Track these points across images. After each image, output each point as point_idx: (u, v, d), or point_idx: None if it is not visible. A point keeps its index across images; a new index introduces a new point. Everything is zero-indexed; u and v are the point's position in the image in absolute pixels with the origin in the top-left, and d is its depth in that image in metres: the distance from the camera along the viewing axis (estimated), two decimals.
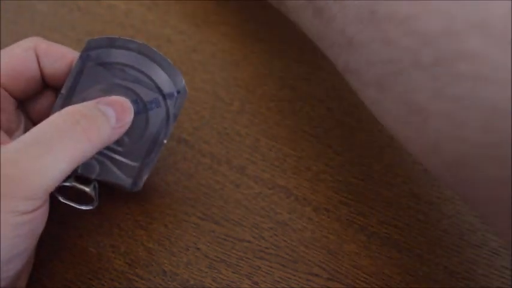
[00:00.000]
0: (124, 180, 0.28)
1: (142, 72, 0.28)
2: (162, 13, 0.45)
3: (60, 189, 0.30)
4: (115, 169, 0.28)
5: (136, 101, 0.28)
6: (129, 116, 0.26)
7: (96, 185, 0.28)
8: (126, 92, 0.27)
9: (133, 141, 0.28)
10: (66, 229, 0.30)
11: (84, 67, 0.27)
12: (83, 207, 0.29)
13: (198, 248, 0.30)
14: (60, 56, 0.27)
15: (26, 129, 0.28)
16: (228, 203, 0.32)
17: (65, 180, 0.27)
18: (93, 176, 0.28)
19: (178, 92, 0.28)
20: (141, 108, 0.28)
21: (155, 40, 0.42)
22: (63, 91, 0.27)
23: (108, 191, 0.32)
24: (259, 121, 0.36)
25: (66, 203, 0.30)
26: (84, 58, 0.27)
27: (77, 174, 0.28)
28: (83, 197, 0.31)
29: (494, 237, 0.30)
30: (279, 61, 0.39)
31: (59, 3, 0.46)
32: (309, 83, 0.37)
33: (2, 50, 0.27)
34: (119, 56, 0.27)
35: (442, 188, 0.32)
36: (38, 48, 0.27)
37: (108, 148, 0.28)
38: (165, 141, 0.28)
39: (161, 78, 0.28)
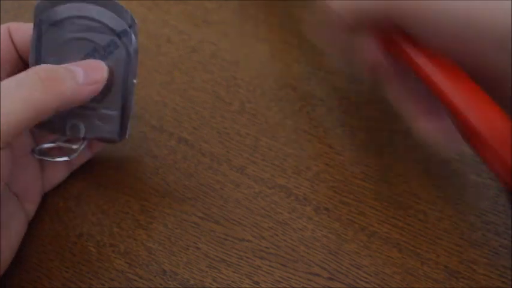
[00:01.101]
0: (110, 132, 0.29)
1: (91, 19, 0.28)
2: (162, 13, 0.45)
3: (41, 152, 0.30)
4: (99, 123, 0.29)
5: (95, 48, 0.28)
6: (100, 74, 0.27)
7: (84, 143, 0.29)
8: (83, 43, 0.28)
9: (106, 90, 0.28)
10: (66, 229, 0.30)
11: (41, 32, 0.28)
12: (59, 159, 0.30)
13: (198, 248, 0.30)
14: (31, 31, 0.28)
15: None
16: (228, 202, 0.32)
17: (48, 143, 0.29)
18: (81, 135, 0.29)
19: (130, 27, 0.28)
20: (102, 55, 0.28)
21: (155, 40, 0.42)
22: (30, 60, 0.28)
23: (108, 190, 0.32)
24: (259, 121, 0.36)
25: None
26: (37, 24, 0.28)
27: (64, 138, 0.29)
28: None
29: (494, 237, 0.30)
30: (279, 61, 0.39)
31: None
32: (309, 83, 0.37)
33: None
34: (65, 10, 0.27)
35: (442, 188, 0.32)
36: (10, 27, 0.28)
37: (85, 108, 0.28)
38: (135, 81, 0.29)
39: (110, 18, 0.28)
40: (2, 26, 0.28)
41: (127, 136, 0.29)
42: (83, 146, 0.29)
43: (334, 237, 0.30)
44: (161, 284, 0.28)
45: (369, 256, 0.30)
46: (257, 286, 0.28)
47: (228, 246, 0.30)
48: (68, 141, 0.29)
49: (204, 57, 0.40)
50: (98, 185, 0.32)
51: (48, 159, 0.30)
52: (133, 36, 0.28)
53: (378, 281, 0.28)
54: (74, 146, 0.29)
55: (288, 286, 0.28)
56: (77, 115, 0.29)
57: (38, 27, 0.28)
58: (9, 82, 0.24)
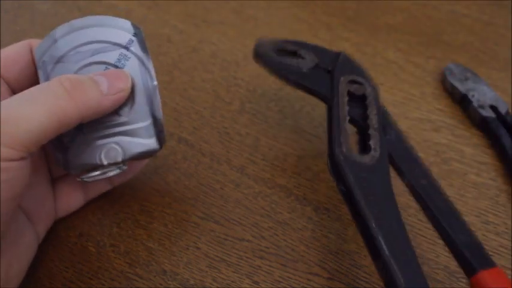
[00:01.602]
0: (148, 143, 0.28)
1: (93, 42, 0.27)
2: (162, 13, 0.45)
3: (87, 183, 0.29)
4: (134, 139, 0.28)
5: (107, 68, 0.27)
6: (124, 82, 0.26)
7: (125, 167, 0.28)
8: (93, 67, 0.27)
9: (131, 103, 0.27)
10: (66, 229, 0.30)
11: (47, 73, 0.27)
12: (111, 174, 0.28)
13: (198, 248, 0.30)
14: None
15: None
16: (228, 202, 0.32)
17: (92, 171, 0.27)
18: (120, 159, 0.27)
19: (135, 35, 0.28)
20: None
21: (155, 40, 0.42)
22: None
23: (108, 191, 0.32)
24: (259, 121, 0.36)
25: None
26: (42, 67, 0.27)
27: (104, 165, 0.27)
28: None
29: (494, 237, 0.30)
30: None
31: (59, 3, 0.46)
32: None
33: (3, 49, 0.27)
34: (65, 44, 0.27)
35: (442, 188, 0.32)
36: (32, 43, 0.27)
37: (115, 126, 0.27)
38: (155, 83, 0.28)
39: (112, 34, 0.27)
40: (23, 42, 0.27)
41: (165, 142, 0.28)
42: (125, 167, 0.28)
43: (334, 237, 0.30)
44: (161, 284, 0.28)
45: (369, 256, 0.29)
46: (257, 286, 0.28)
47: (228, 246, 0.30)
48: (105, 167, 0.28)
49: (204, 57, 0.40)
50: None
51: (88, 178, 0.28)
52: (140, 42, 0.28)
53: (377, 281, 0.28)
54: (113, 172, 0.28)
55: (288, 286, 0.28)
56: (108, 139, 0.27)
57: (43, 69, 0.27)
58: (33, 90, 0.23)
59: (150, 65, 0.28)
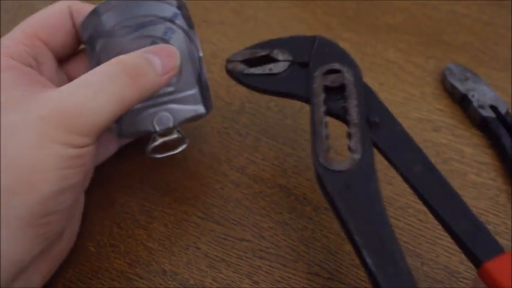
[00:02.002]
0: (196, 109, 0.29)
1: (139, 16, 0.27)
2: None
3: (153, 151, 0.30)
4: (183, 106, 0.29)
5: (154, 41, 0.28)
6: (174, 60, 0.27)
7: (178, 129, 0.29)
8: (140, 41, 0.27)
9: (179, 74, 0.28)
10: None
11: (95, 47, 0.27)
12: (180, 149, 0.30)
13: (198, 248, 0.30)
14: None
15: None
16: (228, 202, 0.32)
17: (152, 142, 0.29)
18: (171, 125, 0.29)
19: (179, 8, 0.28)
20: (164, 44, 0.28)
21: None
22: None
23: (108, 190, 0.32)
24: (259, 121, 0.36)
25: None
26: (89, 41, 0.27)
27: (158, 132, 0.29)
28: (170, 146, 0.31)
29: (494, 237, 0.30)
30: None
31: None
32: None
33: (39, 11, 0.28)
34: (111, 18, 0.27)
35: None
36: (71, 7, 0.28)
37: (164, 95, 0.28)
38: (200, 54, 0.29)
39: (157, 8, 0.27)
40: (61, 5, 0.28)
41: (213, 107, 0.30)
42: (180, 134, 0.29)
43: (334, 237, 0.30)
44: (161, 284, 0.28)
45: None
46: (257, 286, 0.28)
47: (228, 246, 0.30)
48: (159, 135, 0.29)
49: (204, 57, 0.40)
50: (98, 185, 0.31)
51: (161, 156, 0.30)
52: (185, 15, 0.28)
53: None
54: (174, 135, 0.29)
55: (288, 286, 0.28)
56: (158, 107, 0.29)
57: (90, 43, 0.27)
58: (100, 74, 0.24)
59: (195, 37, 0.29)
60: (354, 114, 0.26)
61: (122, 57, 0.25)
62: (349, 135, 0.25)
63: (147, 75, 0.25)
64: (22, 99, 0.23)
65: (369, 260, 0.22)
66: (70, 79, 0.29)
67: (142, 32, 0.27)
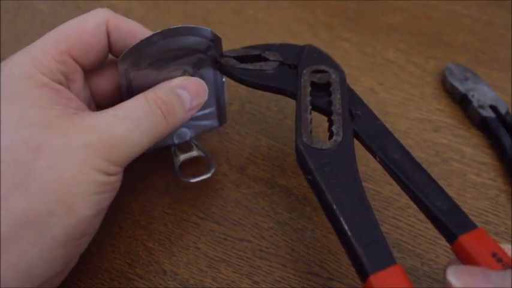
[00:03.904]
0: (211, 123, 0.33)
1: (175, 49, 0.28)
2: (163, 13, 0.45)
3: (182, 172, 0.32)
4: (200, 122, 0.32)
5: (185, 71, 0.29)
6: (201, 99, 0.28)
7: (195, 142, 0.32)
8: (173, 72, 0.28)
9: None
10: None
11: (130, 79, 0.28)
12: (211, 172, 0.31)
13: (198, 248, 0.30)
14: (131, 34, 0.28)
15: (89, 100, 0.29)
16: (228, 202, 0.32)
17: (176, 162, 0.32)
18: (188, 138, 0.32)
19: (212, 41, 0.29)
20: (192, 73, 0.29)
21: None
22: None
23: None
24: (259, 121, 0.36)
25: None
26: (124, 74, 0.28)
27: (176, 146, 0.32)
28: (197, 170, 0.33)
29: (494, 237, 0.30)
30: None
31: (59, 3, 0.46)
32: None
33: (72, 22, 0.27)
34: (150, 53, 0.27)
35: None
36: (109, 23, 0.27)
37: None
38: (224, 80, 0.31)
39: (194, 41, 0.28)
40: (98, 15, 0.27)
41: (226, 121, 0.33)
42: (200, 152, 0.32)
43: (334, 237, 0.30)
44: (161, 284, 0.28)
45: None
46: (257, 286, 0.28)
47: (228, 246, 0.30)
48: (178, 148, 0.32)
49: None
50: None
51: (194, 180, 0.31)
52: (217, 47, 0.29)
53: None
54: (193, 154, 0.32)
55: (288, 286, 0.28)
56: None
57: (125, 75, 0.28)
58: (137, 110, 0.25)
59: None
60: (337, 105, 0.28)
61: (158, 93, 0.26)
62: (331, 122, 0.27)
63: (178, 112, 0.27)
64: (61, 121, 0.24)
65: (345, 226, 0.23)
66: (92, 91, 0.29)
67: (176, 63, 0.28)
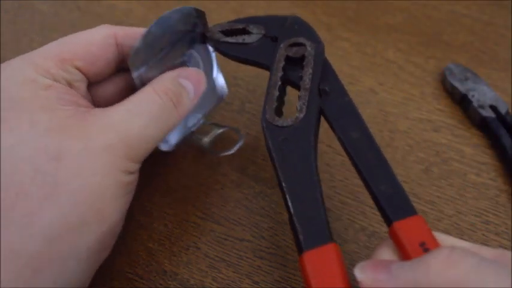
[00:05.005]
0: (215, 100, 0.33)
1: (169, 35, 0.28)
2: (163, 13, 0.45)
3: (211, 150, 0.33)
4: (204, 102, 0.32)
5: (184, 54, 0.29)
6: (203, 86, 0.28)
7: (210, 122, 0.33)
8: (176, 60, 0.29)
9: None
10: None
11: (143, 80, 0.27)
12: (241, 142, 0.33)
13: (198, 248, 0.30)
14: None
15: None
16: (228, 202, 0.32)
17: (200, 141, 0.32)
18: (201, 121, 0.32)
19: (197, 17, 0.29)
20: (187, 53, 0.30)
21: None
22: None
23: None
24: (259, 120, 0.36)
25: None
26: (139, 77, 0.27)
27: (194, 132, 0.32)
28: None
29: (494, 237, 0.30)
30: None
31: (59, 3, 0.46)
32: None
33: (78, 34, 0.27)
34: (153, 47, 0.27)
35: (442, 188, 0.32)
36: (118, 35, 0.27)
37: None
38: (213, 53, 0.32)
39: (181, 23, 0.28)
40: (104, 29, 0.27)
41: (227, 90, 0.34)
42: (221, 127, 0.33)
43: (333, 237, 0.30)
44: (161, 284, 0.28)
45: (369, 256, 0.29)
46: (257, 286, 0.28)
47: (228, 246, 0.30)
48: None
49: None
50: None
51: (223, 154, 0.32)
52: (201, 25, 0.30)
53: None
54: (219, 131, 0.32)
55: (288, 286, 0.28)
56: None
57: (139, 78, 0.27)
58: (150, 103, 0.25)
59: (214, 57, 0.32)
60: (306, 80, 0.28)
61: (166, 84, 0.26)
62: (298, 98, 0.27)
63: (185, 102, 0.27)
64: (75, 122, 0.23)
65: (289, 203, 0.23)
66: (94, 98, 0.28)
67: (175, 49, 0.29)
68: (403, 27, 0.43)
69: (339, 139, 0.26)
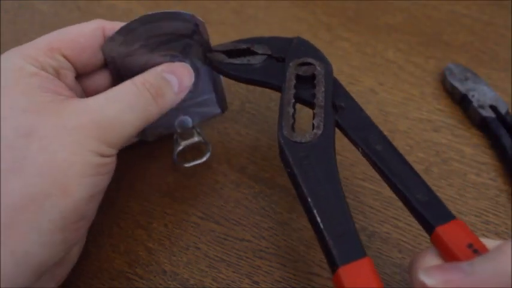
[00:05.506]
0: (213, 111, 0.33)
1: (158, 35, 0.28)
2: None
3: (179, 158, 0.33)
4: (201, 109, 0.33)
5: (173, 56, 0.29)
6: (189, 80, 0.29)
7: (198, 130, 0.33)
8: (161, 58, 0.29)
9: (197, 82, 0.31)
10: None
11: (117, 66, 0.28)
12: (204, 159, 0.33)
13: (198, 248, 0.30)
14: None
15: None
16: (228, 202, 0.32)
17: (176, 148, 0.32)
18: (191, 125, 0.32)
19: (196, 25, 0.29)
20: (182, 58, 0.30)
21: None
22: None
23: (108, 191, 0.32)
24: (259, 121, 0.36)
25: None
26: (111, 62, 0.28)
27: (179, 134, 0.32)
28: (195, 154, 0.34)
29: (494, 237, 0.30)
30: None
31: (59, 3, 0.46)
32: None
33: (69, 27, 0.28)
34: (133, 40, 0.28)
35: (442, 188, 0.32)
36: (106, 27, 0.28)
37: (184, 101, 0.29)
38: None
39: (176, 26, 0.28)
40: (95, 26, 0.28)
41: (227, 109, 0.34)
42: (200, 138, 0.33)
43: None
44: (161, 284, 0.28)
45: (369, 256, 0.29)
46: (257, 286, 0.28)
47: (228, 246, 0.30)
48: (181, 137, 0.33)
49: None
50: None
51: (189, 165, 0.33)
52: (202, 32, 0.29)
53: None
54: (196, 139, 0.33)
55: (288, 286, 0.28)
56: (180, 111, 0.32)
57: (112, 63, 0.28)
58: (127, 92, 0.26)
59: (210, 47, 0.30)
60: (320, 97, 0.28)
61: (146, 77, 0.27)
62: (313, 115, 0.27)
63: (166, 95, 0.28)
64: (52, 106, 0.24)
65: (318, 219, 0.23)
66: (85, 90, 0.29)
67: (163, 48, 0.29)
68: (403, 27, 0.43)
69: (363, 152, 0.26)
